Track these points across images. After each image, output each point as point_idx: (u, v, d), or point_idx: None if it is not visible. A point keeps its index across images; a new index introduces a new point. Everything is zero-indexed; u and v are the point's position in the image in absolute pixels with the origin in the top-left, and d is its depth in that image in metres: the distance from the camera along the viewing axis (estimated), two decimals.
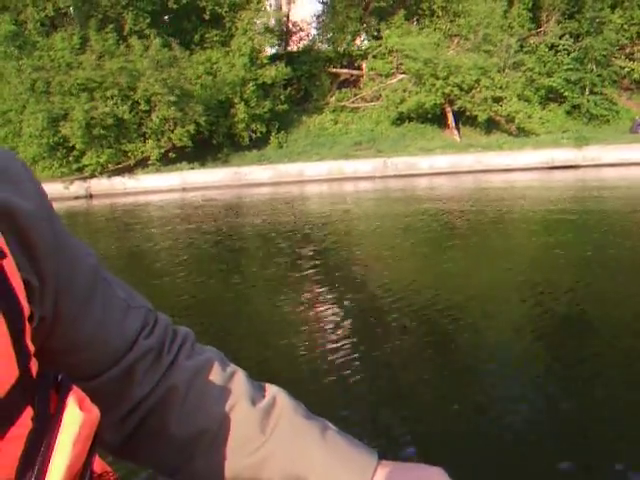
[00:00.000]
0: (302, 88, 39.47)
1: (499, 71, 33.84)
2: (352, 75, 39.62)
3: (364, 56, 38.94)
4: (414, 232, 16.10)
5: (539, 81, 36.21)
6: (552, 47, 37.16)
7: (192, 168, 31.74)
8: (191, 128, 31.36)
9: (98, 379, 0.85)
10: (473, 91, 33.94)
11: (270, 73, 34.44)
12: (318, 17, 41.00)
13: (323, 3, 40.45)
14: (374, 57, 38.19)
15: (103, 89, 29.59)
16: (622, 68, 37.62)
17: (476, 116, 34.52)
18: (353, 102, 38.75)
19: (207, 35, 34.97)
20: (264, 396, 0.92)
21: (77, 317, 0.81)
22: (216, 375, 0.92)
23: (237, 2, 34.19)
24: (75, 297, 0.81)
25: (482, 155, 31.14)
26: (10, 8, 30.30)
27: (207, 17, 34.18)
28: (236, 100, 33.30)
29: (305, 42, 40.30)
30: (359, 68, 39.53)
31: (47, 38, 30.85)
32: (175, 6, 33.12)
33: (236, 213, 22.83)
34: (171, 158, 31.75)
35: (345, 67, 39.94)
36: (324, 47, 39.72)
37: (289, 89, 36.41)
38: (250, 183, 31.15)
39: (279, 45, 39.88)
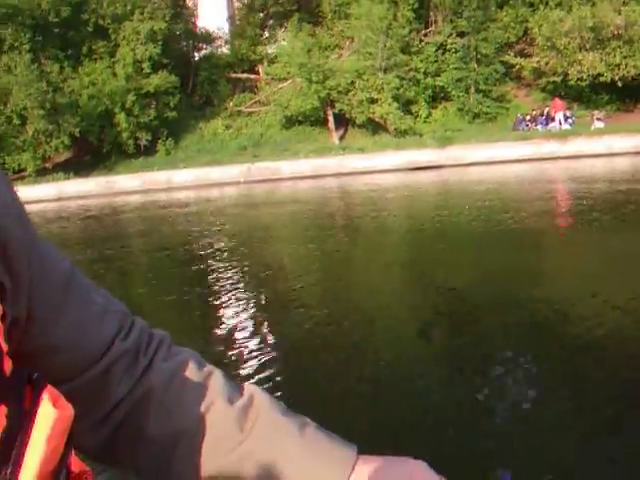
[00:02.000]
0: (204, 94, 40.27)
1: (374, 73, 34.23)
2: (251, 80, 40.28)
3: (261, 61, 39.54)
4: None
5: (425, 81, 36.55)
6: (441, 47, 37.50)
7: (67, 178, 32.58)
8: (65, 140, 32.19)
9: (74, 381, 0.86)
10: (350, 94, 34.38)
11: (154, 82, 35.17)
12: (221, 25, 41.75)
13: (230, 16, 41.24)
14: (270, 62, 38.74)
15: None
16: (512, 65, 37.82)
17: (355, 118, 34.93)
18: (249, 107, 39.42)
19: (94, 47, 35.80)
20: (241, 394, 0.93)
21: (51, 319, 0.82)
22: (193, 375, 0.93)
23: (120, 13, 34.93)
24: (49, 299, 0.81)
25: (344, 158, 31.66)
26: None
27: (90, 29, 35.00)
28: (116, 110, 34.09)
29: (206, 50, 40.99)
30: (258, 73, 40.16)
31: None
32: (56, 19, 33.98)
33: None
34: (48, 169, 32.64)
35: (246, 72, 40.63)
36: (225, 53, 40.38)
37: (178, 96, 37.08)
38: (121, 192, 31.94)
39: (186, 51, 40.67)
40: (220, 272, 12.31)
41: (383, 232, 15.91)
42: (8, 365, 0.69)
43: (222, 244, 15.68)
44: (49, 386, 0.72)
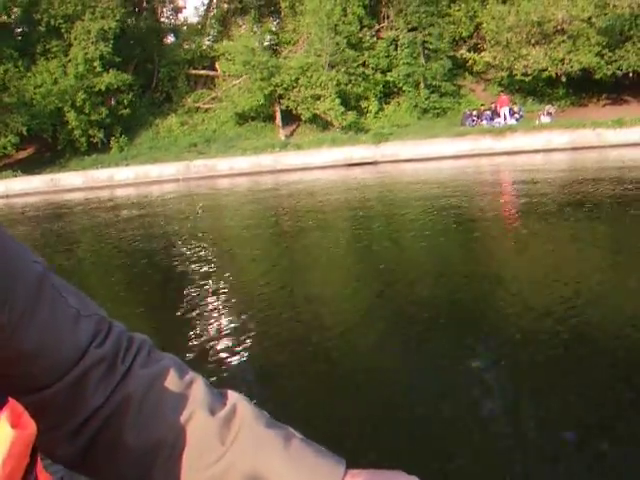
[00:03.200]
0: (164, 91, 40.81)
1: (317, 70, 34.46)
2: (209, 76, 40.69)
3: (218, 58, 39.93)
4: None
5: (375, 76, 36.67)
6: (393, 42, 37.56)
7: (15, 176, 33.32)
8: (12, 138, 32.97)
9: (48, 390, 0.82)
10: (294, 90, 34.65)
11: (105, 80, 35.76)
12: (184, 20, 42.21)
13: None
14: (226, 59, 39.14)
15: None
16: (466, 60, 37.78)
17: (301, 115, 35.22)
18: (206, 103, 39.87)
19: (48, 46, 36.47)
20: (224, 404, 0.89)
21: (19, 327, 0.78)
22: (173, 383, 0.89)
23: (71, 13, 35.55)
24: (16, 307, 0.78)
25: (280, 155, 31.96)
26: None
27: (43, 29, 35.68)
28: (66, 108, 34.75)
29: (166, 45, 41.49)
30: (216, 70, 40.59)
31: None
32: (6, 18, 34.70)
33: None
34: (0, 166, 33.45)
35: (206, 69, 41.06)
36: (185, 49, 40.82)
37: (131, 94, 37.64)
38: (65, 189, 32.60)
39: (149, 48, 41.17)
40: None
41: (310, 228, 15.86)
42: None
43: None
44: (11, 402, 0.70)
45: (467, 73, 39.39)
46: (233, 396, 0.91)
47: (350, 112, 35.11)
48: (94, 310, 0.90)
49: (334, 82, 34.27)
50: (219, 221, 18.95)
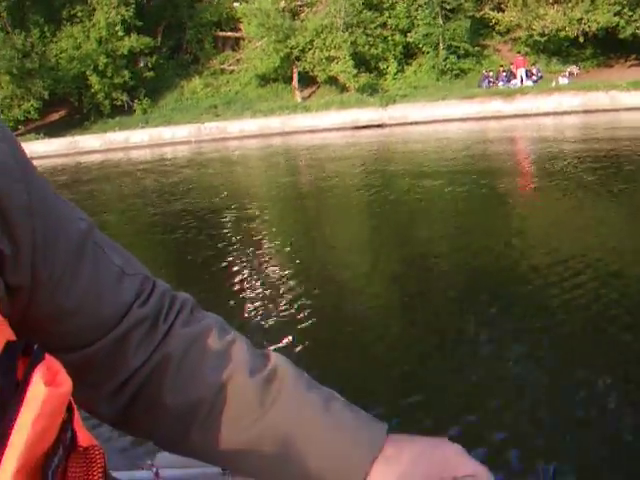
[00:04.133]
0: (192, 53, 41.40)
1: (331, 31, 34.44)
2: (234, 38, 41.05)
3: (242, 20, 40.20)
4: None
5: (394, 38, 36.42)
6: (414, 2, 37.10)
7: (37, 139, 34.52)
8: (35, 103, 34.15)
9: (88, 349, 0.82)
10: (310, 52, 34.78)
11: (127, 44, 36.53)
12: None
13: None
14: (247, 22, 39.36)
15: None
16: (490, 19, 37.10)
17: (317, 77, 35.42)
18: (231, 65, 40.29)
19: (72, 11, 37.40)
20: (265, 365, 0.87)
21: (62, 284, 0.77)
22: (214, 343, 0.87)
23: None
24: (60, 264, 0.76)
25: (289, 118, 32.26)
26: None
27: None
28: (89, 72, 35.70)
29: (194, 7, 41.89)
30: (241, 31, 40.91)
31: None
32: None
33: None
34: (18, 130, 34.68)
35: (233, 31, 41.41)
36: (210, 11, 41.15)
37: (155, 57, 38.32)
38: (84, 151, 33.66)
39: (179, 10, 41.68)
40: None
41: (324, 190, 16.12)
42: None
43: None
44: (47, 358, 0.67)
45: (494, 33, 38.66)
46: (275, 358, 0.90)
47: (364, 74, 35.04)
48: (138, 269, 0.89)
49: (347, 44, 34.18)
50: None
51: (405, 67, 37.66)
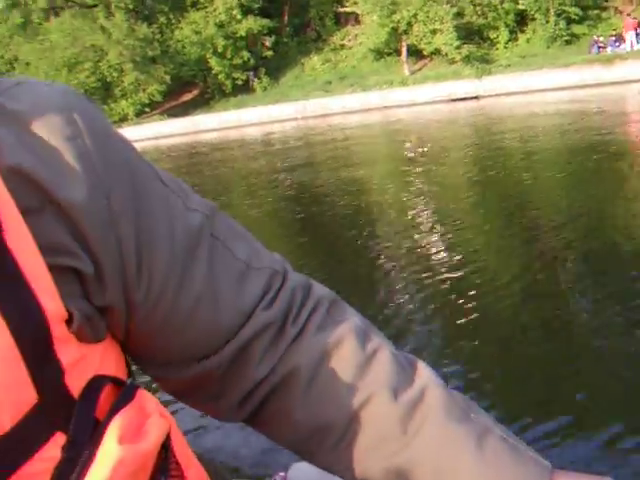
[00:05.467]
0: (315, 29, 42.83)
1: (433, 4, 34.65)
2: (355, 14, 41.95)
3: None
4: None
5: (504, 5, 36.00)
6: None
7: (161, 119, 37.43)
8: (158, 87, 37.08)
9: (204, 362, 0.73)
10: (415, 25, 35.25)
11: (245, 26, 38.56)
12: None
13: None
14: None
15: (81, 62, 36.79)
16: None
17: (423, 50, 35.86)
18: (350, 40, 41.31)
19: None
20: (411, 384, 0.75)
21: (164, 297, 0.68)
22: (352, 354, 0.75)
23: None
24: (158, 274, 0.67)
25: (387, 92, 33.01)
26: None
27: None
28: (208, 55, 38.13)
29: None
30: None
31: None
32: None
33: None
34: (146, 112, 37.79)
35: (353, 6, 42.37)
36: None
37: (274, 37, 40.06)
38: (202, 130, 36.14)
39: None
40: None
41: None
42: (74, 380, 0.58)
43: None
44: (139, 397, 0.63)
45: None
46: (423, 373, 0.77)
47: (470, 45, 34.96)
48: (267, 262, 0.78)
49: (450, 16, 34.26)
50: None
51: (519, 35, 37.04)
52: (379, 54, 38.74)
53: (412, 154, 18.08)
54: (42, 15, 39.18)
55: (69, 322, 0.59)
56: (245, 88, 39.94)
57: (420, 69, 37.44)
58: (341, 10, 42.33)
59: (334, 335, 0.76)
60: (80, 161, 0.61)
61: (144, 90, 37.47)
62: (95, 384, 0.60)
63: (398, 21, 35.45)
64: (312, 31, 43.04)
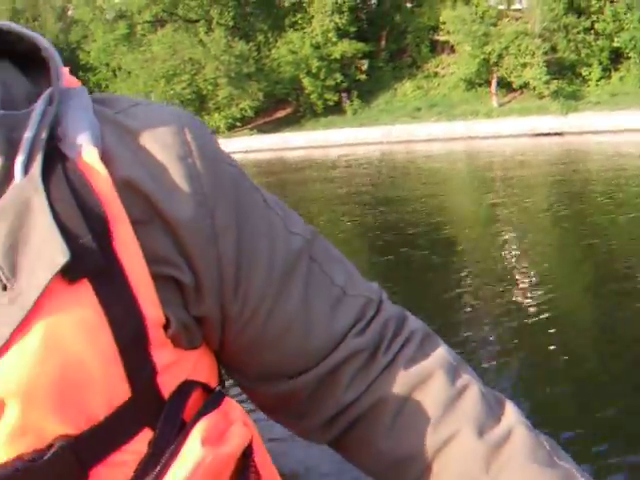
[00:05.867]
0: (411, 56, 43.47)
1: (525, 38, 34.80)
2: (451, 43, 42.37)
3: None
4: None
5: (598, 42, 35.81)
6: (626, 5, 36.02)
7: (251, 135, 38.73)
8: (250, 103, 38.45)
9: (292, 380, 0.75)
10: (505, 58, 35.52)
11: (339, 49, 39.58)
12: None
13: None
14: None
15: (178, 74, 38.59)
16: None
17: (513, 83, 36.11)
18: (444, 68, 41.76)
19: (293, 19, 41.26)
20: (498, 423, 0.75)
21: (258, 315, 0.71)
22: (441, 389, 0.75)
23: None
24: (254, 292, 0.70)
25: (472, 124, 33.35)
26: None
27: (288, 3, 40.51)
28: (302, 75, 39.30)
29: (412, 13, 43.80)
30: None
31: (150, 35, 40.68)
32: None
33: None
34: (237, 126, 39.25)
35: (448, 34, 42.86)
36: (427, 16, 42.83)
37: (367, 60, 40.90)
38: (290, 147, 37.21)
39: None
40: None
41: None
42: (166, 382, 0.63)
43: None
44: (225, 405, 0.66)
45: None
46: (510, 413, 0.77)
47: (561, 80, 34.92)
48: (362, 289, 0.79)
49: (541, 51, 34.38)
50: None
51: (612, 73, 36.74)
52: (470, 84, 39.03)
53: (496, 186, 18.48)
54: (147, 27, 41.20)
55: (166, 327, 0.65)
56: (337, 109, 40.81)
57: (509, 101, 37.56)
58: (437, 38, 42.82)
59: (424, 368, 0.77)
60: (189, 180, 0.66)
61: (237, 105, 38.81)
62: (185, 387, 0.66)
63: (489, 52, 35.73)
64: (408, 57, 43.63)
